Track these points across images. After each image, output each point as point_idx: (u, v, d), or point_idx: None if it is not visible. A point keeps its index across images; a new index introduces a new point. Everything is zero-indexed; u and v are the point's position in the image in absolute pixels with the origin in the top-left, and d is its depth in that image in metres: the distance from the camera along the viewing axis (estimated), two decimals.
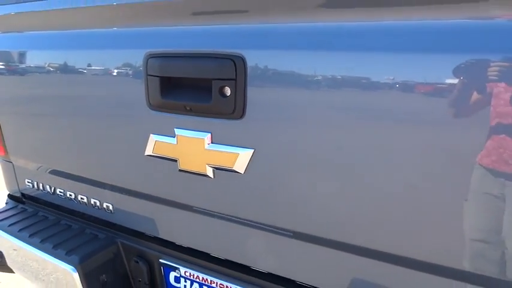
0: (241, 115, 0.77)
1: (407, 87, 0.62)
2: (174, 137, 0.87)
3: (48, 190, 1.26)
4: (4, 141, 1.29)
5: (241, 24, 0.78)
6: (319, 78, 0.70)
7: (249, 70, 0.75)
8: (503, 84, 0.55)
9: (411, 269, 0.71)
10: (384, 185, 0.68)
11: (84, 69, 1.03)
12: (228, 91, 0.77)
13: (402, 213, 0.68)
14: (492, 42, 0.57)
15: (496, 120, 0.56)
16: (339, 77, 0.68)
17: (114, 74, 0.97)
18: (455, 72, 0.57)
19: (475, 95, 0.57)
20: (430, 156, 0.63)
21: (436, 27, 0.61)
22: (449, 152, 0.62)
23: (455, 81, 0.58)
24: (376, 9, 0.65)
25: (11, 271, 1.35)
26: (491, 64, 0.55)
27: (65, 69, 1.06)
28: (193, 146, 0.85)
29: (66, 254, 1.06)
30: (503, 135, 0.57)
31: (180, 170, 0.89)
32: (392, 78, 0.63)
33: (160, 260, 1.05)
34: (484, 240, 0.64)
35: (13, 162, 1.33)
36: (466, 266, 0.66)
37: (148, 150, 0.92)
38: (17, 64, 1.18)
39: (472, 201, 0.62)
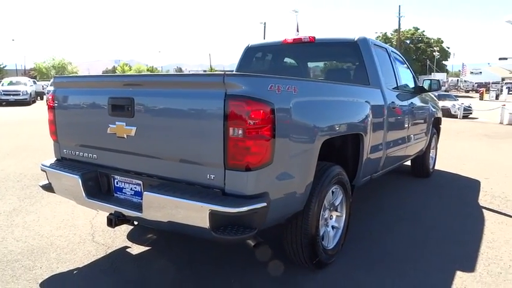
0: (133, 116, 2.45)
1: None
2: (115, 125, 2.56)
3: (74, 153, 2.96)
4: (57, 133, 3.02)
5: (132, 89, 2.50)
6: (154, 106, 2.40)
7: (135, 103, 2.44)
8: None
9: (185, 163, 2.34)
10: (164, 139, 2.34)
11: (92, 103, 2.76)
12: (129, 109, 2.46)
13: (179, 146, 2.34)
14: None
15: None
16: (160, 105, 2.38)
17: (100, 104, 2.68)
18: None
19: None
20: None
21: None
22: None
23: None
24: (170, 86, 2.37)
25: (53, 191, 3.01)
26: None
27: (82, 103, 2.80)
28: (120, 127, 2.53)
29: (75, 172, 2.73)
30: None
31: (117, 136, 2.57)
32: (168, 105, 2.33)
33: (111, 175, 2.71)
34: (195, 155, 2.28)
35: (60, 143, 3.05)
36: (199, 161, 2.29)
37: (108, 131, 2.61)
38: (65, 102, 2.94)
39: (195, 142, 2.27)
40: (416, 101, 4.94)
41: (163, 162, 2.40)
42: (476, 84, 54.03)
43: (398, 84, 4.48)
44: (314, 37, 4.16)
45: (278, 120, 2.19)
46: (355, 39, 3.92)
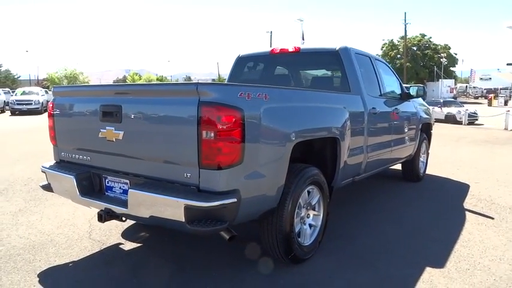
0: (120, 121, 2.72)
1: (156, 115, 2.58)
2: (106, 129, 2.83)
3: (71, 156, 3.23)
4: (56, 138, 3.31)
5: (120, 97, 2.78)
6: (139, 112, 2.66)
7: (123, 109, 2.71)
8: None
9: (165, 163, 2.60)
10: (148, 143, 2.60)
11: (86, 110, 3.04)
12: (117, 115, 2.73)
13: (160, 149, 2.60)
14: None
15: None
16: (143, 111, 2.65)
17: (93, 111, 2.96)
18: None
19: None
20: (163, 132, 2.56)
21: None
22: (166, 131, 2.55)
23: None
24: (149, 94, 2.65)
25: (52, 191, 3.29)
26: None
27: (77, 110, 3.09)
28: (110, 132, 2.80)
29: (70, 173, 3.00)
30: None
31: (107, 140, 2.83)
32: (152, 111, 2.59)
33: (103, 175, 2.98)
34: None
35: (58, 147, 3.34)
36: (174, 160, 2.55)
37: (100, 135, 2.88)
38: (63, 110, 3.23)
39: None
40: (402, 107, 5.13)
41: (147, 163, 2.66)
42: (485, 90, 53.66)
43: (382, 91, 4.69)
44: (299, 47, 4.40)
45: (248, 124, 2.43)
46: (337, 48, 4.15)
